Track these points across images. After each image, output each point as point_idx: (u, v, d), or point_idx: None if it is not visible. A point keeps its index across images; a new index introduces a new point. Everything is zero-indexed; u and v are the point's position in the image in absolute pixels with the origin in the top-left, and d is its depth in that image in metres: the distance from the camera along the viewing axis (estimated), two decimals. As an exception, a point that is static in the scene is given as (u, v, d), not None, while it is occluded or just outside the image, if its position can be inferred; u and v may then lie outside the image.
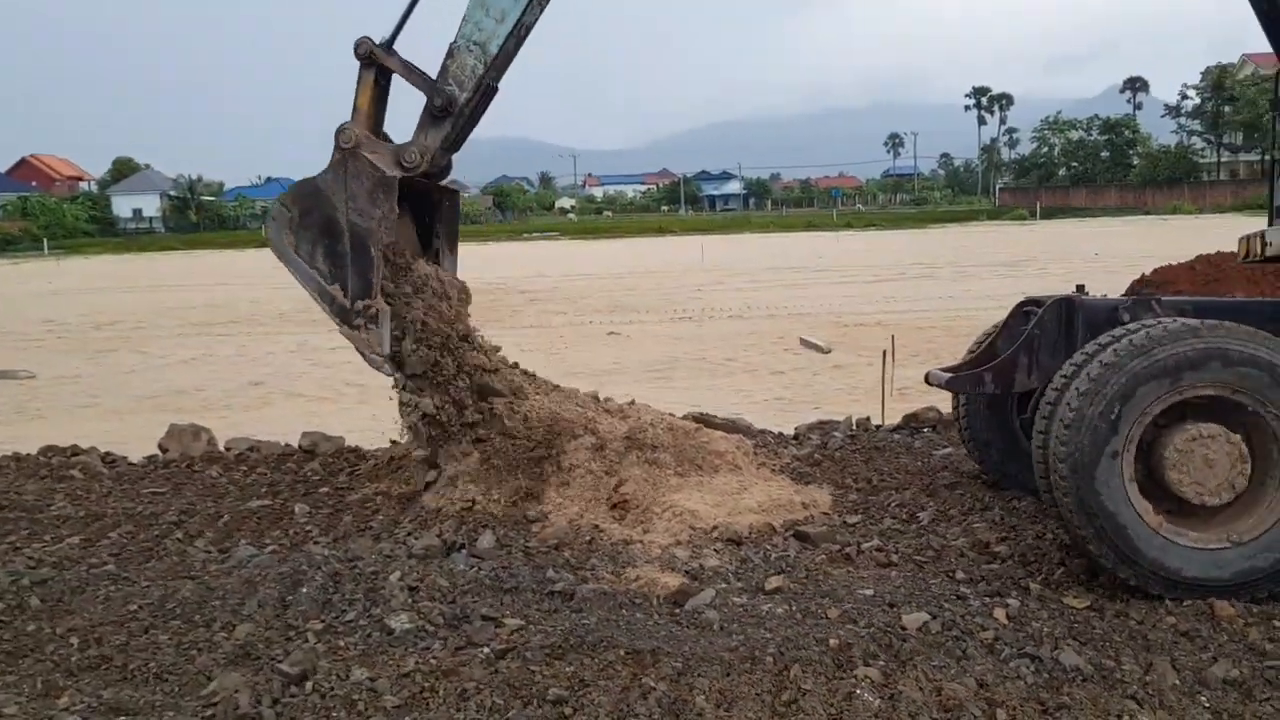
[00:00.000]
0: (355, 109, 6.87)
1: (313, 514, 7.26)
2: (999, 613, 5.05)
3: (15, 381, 16.38)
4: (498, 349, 7.76)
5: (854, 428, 9.77)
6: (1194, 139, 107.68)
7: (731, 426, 9.04)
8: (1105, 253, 38.97)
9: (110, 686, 4.52)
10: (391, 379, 7.21)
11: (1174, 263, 14.92)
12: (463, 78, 6.68)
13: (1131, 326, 5.50)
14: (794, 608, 5.21)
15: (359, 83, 6.85)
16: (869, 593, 5.41)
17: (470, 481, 7.06)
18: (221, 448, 9.57)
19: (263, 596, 5.39)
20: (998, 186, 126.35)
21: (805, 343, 18.12)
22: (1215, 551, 5.16)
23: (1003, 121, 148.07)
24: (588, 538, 6.43)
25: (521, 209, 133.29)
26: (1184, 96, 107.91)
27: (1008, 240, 55.44)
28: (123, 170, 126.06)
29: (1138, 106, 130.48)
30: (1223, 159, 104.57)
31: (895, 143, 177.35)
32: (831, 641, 4.67)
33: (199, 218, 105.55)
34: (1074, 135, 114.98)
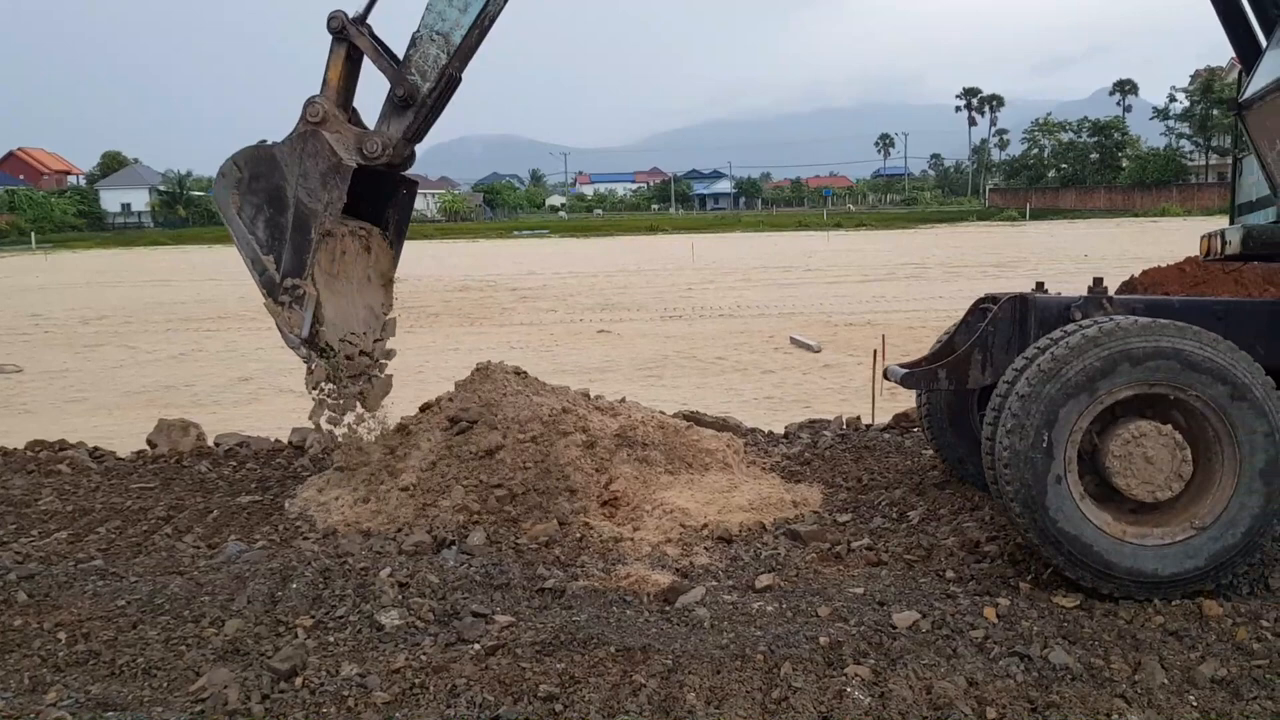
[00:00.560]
0: (325, 83, 6.79)
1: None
2: (989, 611, 5.06)
3: (2, 376, 16.30)
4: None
5: (844, 427, 9.78)
6: (1182, 142, 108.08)
7: (722, 425, 9.05)
8: (1094, 254, 39.13)
9: (98, 682, 4.49)
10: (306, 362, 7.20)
11: (1162, 264, 14.98)
12: (425, 68, 6.62)
13: (1054, 335, 5.50)
14: (784, 606, 5.22)
15: (330, 56, 6.77)
16: (859, 591, 5.41)
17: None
18: (211, 443, 9.54)
19: (252, 592, 5.37)
20: (988, 187, 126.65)
21: (796, 342, 18.14)
22: (1184, 542, 5.20)
23: (993, 123, 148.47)
24: (578, 535, 6.43)
25: (512, 207, 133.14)
26: (1172, 99, 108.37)
27: (998, 241, 55.60)
28: (111, 165, 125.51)
29: (1127, 109, 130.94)
30: (1211, 162, 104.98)
31: (886, 143, 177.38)
32: (822, 639, 4.68)
33: (188, 213, 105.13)
34: (1064, 137, 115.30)
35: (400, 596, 5.32)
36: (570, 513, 6.75)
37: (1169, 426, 5.26)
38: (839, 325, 20.54)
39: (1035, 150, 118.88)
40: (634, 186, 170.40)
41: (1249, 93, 6.60)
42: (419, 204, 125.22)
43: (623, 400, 8.59)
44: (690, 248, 50.30)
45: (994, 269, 34.59)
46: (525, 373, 8.04)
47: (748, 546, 6.26)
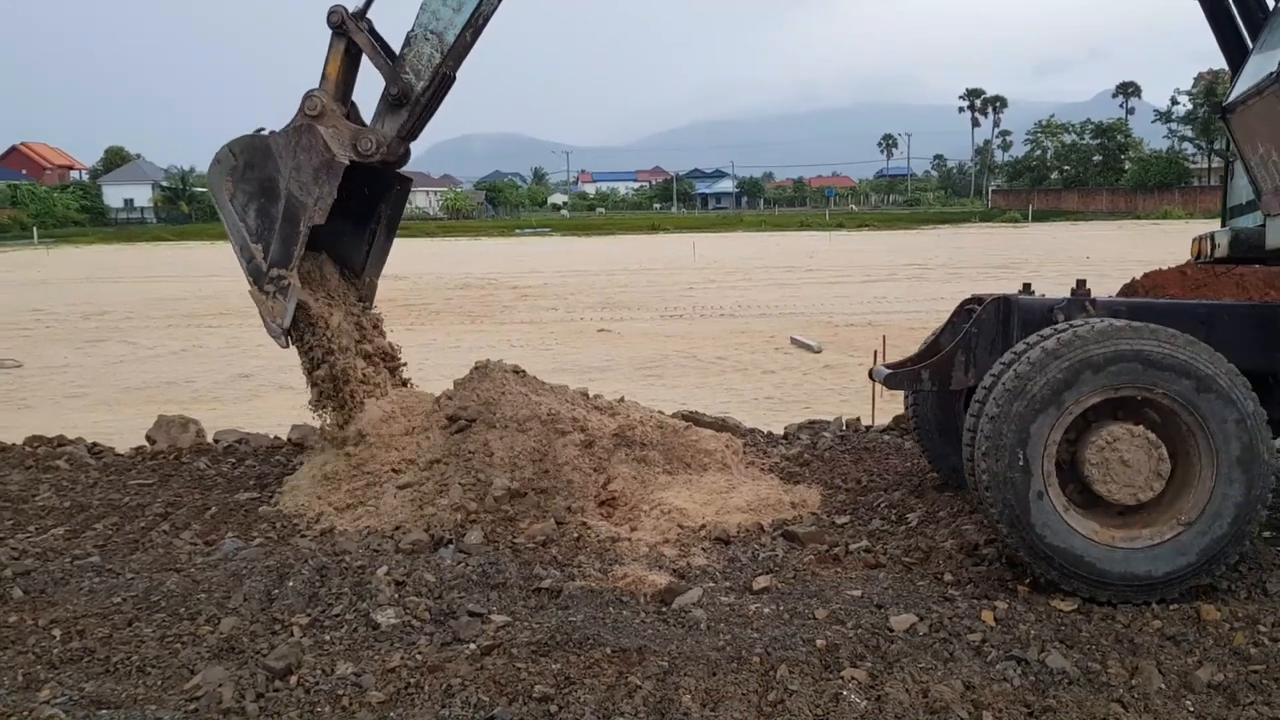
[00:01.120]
0: (324, 76, 6.82)
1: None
2: (986, 615, 5.05)
3: (2, 371, 16.29)
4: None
5: (844, 428, 9.76)
6: (1185, 144, 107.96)
7: (721, 425, 9.03)
8: (1097, 256, 39.09)
9: (92, 679, 4.49)
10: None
11: (1164, 267, 14.95)
12: (419, 66, 6.65)
13: (1017, 349, 5.52)
14: (781, 608, 5.21)
15: (329, 50, 6.80)
16: (857, 594, 5.40)
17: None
18: (210, 439, 9.53)
19: (248, 590, 5.37)
20: (990, 189, 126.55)
21: (796, 342, 18.12)
22: (1174, 540, 5.21)
23: (996, 124, 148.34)
24: (576, 535, 6.42)
25: (514, 205, 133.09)
26: (1175, 102, 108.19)
27: (1000, 242, 55.55)
28: (114, 160, 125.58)
29: (1130, 111, 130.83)
30: (1214, 164, 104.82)
31: (889, 143, 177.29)
32: (819, 642, 4.67)
33: (190, 209, 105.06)
34: (1067, 139, 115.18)
35: (397, 595, 5.32)
36: (568, 512, 6.73)
37: (1140, 427, 5.28)
38: (840, 326, 20.53)
39: (1038, 152, 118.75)
40: (636, 185, 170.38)
41: (1233, 96, 6.59)
42: (421, 201, 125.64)
43: (621, 400, 8.57)
44: (692, 247, 50.27)
45: (996, 270, 34.54)
46: (524, 371, 8.01)
47: (745, 548, 6.25)
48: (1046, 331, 5.49)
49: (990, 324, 6.26)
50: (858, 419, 10.00)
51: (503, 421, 7.24)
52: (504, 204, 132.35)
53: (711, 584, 5.63)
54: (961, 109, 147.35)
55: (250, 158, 6.70)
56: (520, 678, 4.38)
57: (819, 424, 9.90)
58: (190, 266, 45.76)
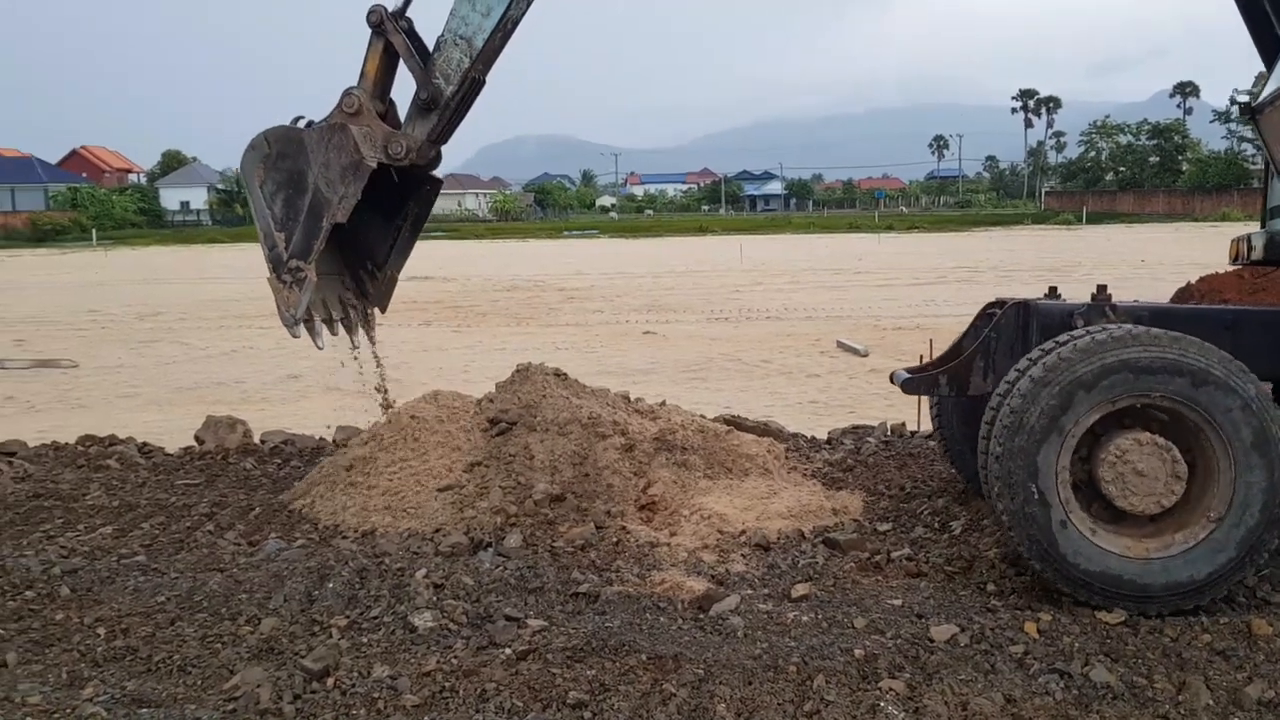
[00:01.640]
0: (363, 74, 6.89)
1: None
2: (1029, 626, 4.96)
3: (58, 371, 16.63)
4: None
5: (888, 433, 9.66)
6: (1245, 145, 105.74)
7: (763, 429, 8.98)
8: (1152, 259, 38.40)
9: (134, 678, 4.55)
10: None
11: (1221, 270, 14.63)
12: (449, 71, 6.69)
13: (1009, 378, 5.45)
14: (820, 616, 5.15)
15: (368, 49, 6.85)
16: (897, 603, 5.33)
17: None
18: (257, 440, 9.65)
19: (289, 591, 5.41)
20: (1044, 190, 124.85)
21: (842, 345, 17.99)
22: (1208, 539, 5.11)
23: (1050, 125, 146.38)
24: (615, 539, 6.41)
25: (563, 207, 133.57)
26: (1234, 102, 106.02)
27: (1053, 245, 54.77)
28: (171, 163, 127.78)
29: (1188, 111, 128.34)
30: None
31: (940, 144, 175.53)
32: (857, 652, 4.61)
33: (245, 211, 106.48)
34: (1122, 140, 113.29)
35: (435, 598, 5.33)
36: (607, 516, 6.73)
37: (1147, 434, 5.19)
38: (887, 329, 20.34)
39: (1092, 153, 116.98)
40: (684, 187, 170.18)
41: (1263, 96, 6.43)
42: (471, 203, 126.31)
43: (663, 403, 8.56)
44: (739, 249, 50.10)
45: (1048, 273, 34.02)
46: (565, 374, 8.03)
47: (785, 554, 6.19)
48: (1034, 355, 5.42)
49: (1010, 329, 6.19)
50: (903, 424, 9.89)
51: (543, 424, 7.25)
52: (553, 206, 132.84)
53: (750, 591, 5.59)
54: (1014, 110, 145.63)
55: (283, 148, 6.79)
56: (555, 683, 4.37)
57: (863, 429, 9.81)
58: (243, 268, 46.40)
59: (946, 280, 32.40)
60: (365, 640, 4.89)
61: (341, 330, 7.56)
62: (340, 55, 7.08)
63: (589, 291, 30.70)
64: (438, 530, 6.59)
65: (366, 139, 6.63)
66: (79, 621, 5.18)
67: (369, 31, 6.82)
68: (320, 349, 7.17)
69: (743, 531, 6.50)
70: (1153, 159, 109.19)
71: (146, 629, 5.05)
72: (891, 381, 6.77)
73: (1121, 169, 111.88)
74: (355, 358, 7.84)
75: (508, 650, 4.70)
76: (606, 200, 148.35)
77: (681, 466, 7.28)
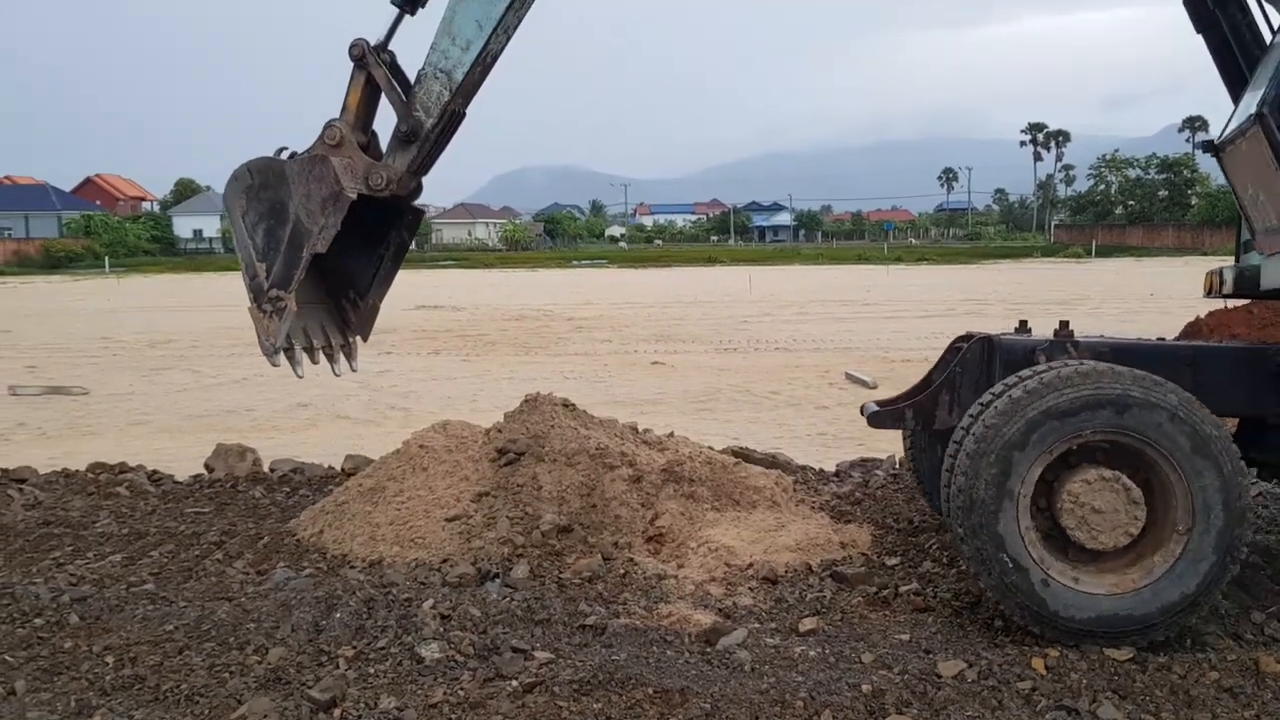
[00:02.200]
0: (345, 107, 7.00)
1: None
2: (1037, 662, 4.95)
3: (69, 397, 16.69)
4: None
5: (897, 466, 9.64)
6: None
7: (771, 462, 8.98)
8: (1161, 293, 38.37)
9: (142, 707, 4.56)
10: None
11: (1230, 305, 14.63)
12: (429, 104, 6.80)
13: (951, 450, 5.52)
14: (827, 651, 5.15)
15: (350, 81, 6.97)
16: (905, 638, 5.32)
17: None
18: (266, 468, 9.68)
19: (297, 620, 5.43)
20: (1053, 223, 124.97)
21: (851, 377, 17.98)
22: (1185, 553, 5.16)
23: (1059, 158, 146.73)
24: (622, 571, 6.41)
25: (572, 236, 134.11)
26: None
27: (1062, 278, 54.77)
28: (185, 191, 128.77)
29: (1196, 146, 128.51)
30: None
31: (949, 177, 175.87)
32: (864, 687, 4.60)
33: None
34: (1131, 173, 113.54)
35: (442, 629, 5.34)
36: (615, 548, 6.73)
37: (1093, 471, 5.23)
38: (896, 361, 20.33)
39: (1101, 186, 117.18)
40: (693, 218, 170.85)
41: (1225, 134, 6.47)
42: (481, 233, 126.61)
43: (671, 434, 8.57)
44: (748, 279, 50.19)
45: (1057, 306, 34.00)
46: (573, 405, 8.06)
47: (793, 588, 6.19)
48: (965, 423, 5.49)
49: (974, 364, 6.25)
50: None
51: (551, 455, 7.27)
52: (562, 235, 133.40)
53: (757, 625, 5.58)
54: (1023, 143, 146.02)
55: (265, 179, 6.89)
56: (562, 717, 4.37)
57: (871, 462, 9.80)
58: (254, 296, 46.58)
59: (955, 313, 32.38)
60: (372, 671, 4.90)
61: (324, 359, 7.61)
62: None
63: (597, 321, 30.76)
64: (445, 560, 6.60)
65: (347, 170, 6.73)
66: (87, 650, 5.19)
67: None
68: (300, 377, 7.22)
69: (750, 564, 6.49)
70: (1162, 193, 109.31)
71: (155, 658, 5.07)
72: (861, 414, 6.81)
73: (1131, 202, 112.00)
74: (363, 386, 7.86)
75: (514, 682, 4.71)
76: (616, 230, 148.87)
77: (689, 498, 7.28)
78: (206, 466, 9.67)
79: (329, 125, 6.84)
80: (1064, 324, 6.19)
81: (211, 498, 8.67)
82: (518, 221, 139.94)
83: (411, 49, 6.98)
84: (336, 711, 4.45)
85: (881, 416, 6.54)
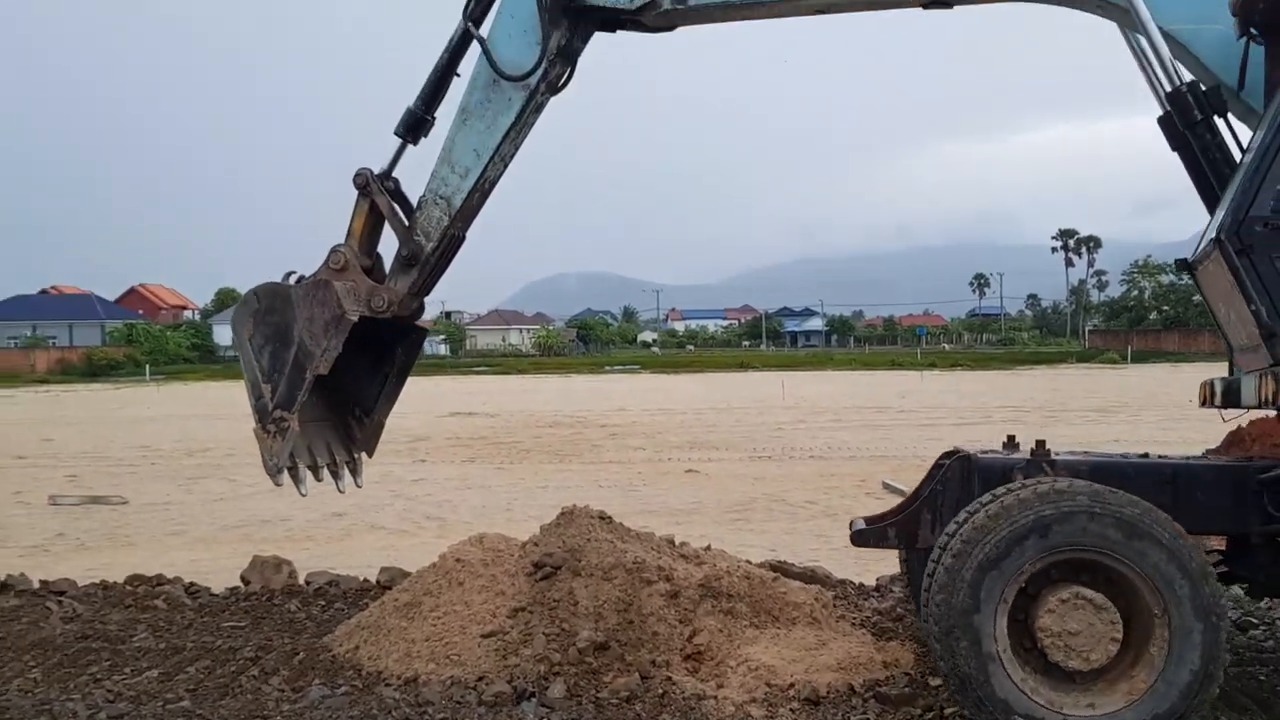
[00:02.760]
0: (350, 232, 7.26)
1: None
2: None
3: (108, 507, 16.83)
4: None
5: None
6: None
7: (810, 576, 8.87)
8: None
9: (176, 832, 4.49)
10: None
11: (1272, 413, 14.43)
12: (430, 229, 7.07)
13: (943, 541, 5.55)
14: (873, 776, 5.01)
15: (355, 208, 7.26)
16: (952, 763, 5.18)
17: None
18: (302, 580, 9.67)
19: (332, 741, 5.36)
20: (1087, 329, 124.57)
21: (888, 487, 17.81)
22: (1171, 656, 5.13)
23: (1091, 264, 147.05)
24: (660, 691, 6.31)
25: (605, 342, 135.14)
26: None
27: (1100, 384, 54.39)
28: (226, 300, 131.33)
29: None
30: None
31: (981, 282, 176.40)
32: (912, 816, 4.47)
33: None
34: (1165, 279, 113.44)
35: (478, 751, 5.25)
36: (652, 666, 6.63)
37: (1054, 598, 5.22)
38: (932, 469, 20.14)
39: (1135, 292, 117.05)
40: (725, 323, 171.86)
41: (1197, 251, 6.51)
42: (515, 339, 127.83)
43: (708, 548, 8.50)
44: (781, 385, 50.20)
45: (1095, 414, 33.73)
46: (610, 517, 8.04)
47: (835, 709, 6.06)
48: (942, 541, 5.52)
49: (954, 482, 6.28)
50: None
51: (588, 569, 7.23)
52: (595, 341, 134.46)
53: (800, 748, 5.45)
54: (1054, 249, 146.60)
55: (271, 303, 7.11)
56: (601, 846, 4.26)
57: (911, 575, 9.64)
58: (291, 403, 47.08)
59: (992, 420, 32.12)
60: (408, 795, 4.81)
61: (327, 476, 7.68)
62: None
63: (631, 428, 30.77)
64: (481, 679, 6.52)
65: (350, 293, 6.93)
66: (123, 770, 5.15)
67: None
68: (303, 495, 7.33)
69: (791, 684, 6.37)
70: (1197, 298, 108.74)
71: (189, 779, 5.01)
72: (850, 529, 6.84)
73: (1165, 308, 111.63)
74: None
75: (553, 809, 4.61)
76: (648, 335, 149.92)
77: (728, 614, 7.19)
78: (243, 579, 9.68)
79: (334, 250, 7.13)
80: (1040, 443, 6.26)
81: (248, 611, 8.65)
82: (551, 328, 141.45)
83: (415, 175, 7.33)
84: (372, 838, 4.37)
85: (865, 535, 6.61)
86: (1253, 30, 5.87)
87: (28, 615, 8.42)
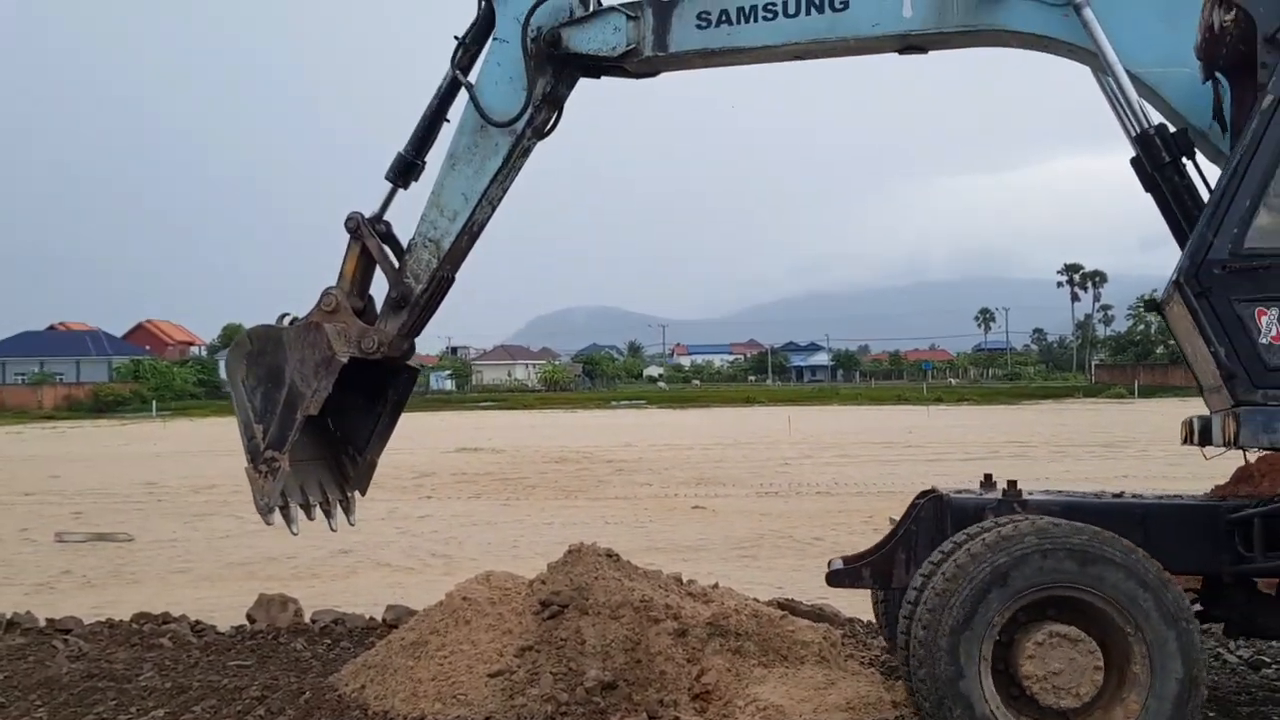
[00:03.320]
0: (341, 275, 7.37)
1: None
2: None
3: (114, 544, 16.81)
4: None
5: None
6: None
7: (819, 614, 8.83)
8: (1208, 433, 37.76)
9: None
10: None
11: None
12: (419, 271, 7.19)
13: (918, 582, 5.65)
14: (883, 819, 4.97)
15: (346, 251, 7.40)
16: (963, 805, 5.13)
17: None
18: (308, 619, 9.64)
19: (338, 783, 5.33)
20: (1094, 363, 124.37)
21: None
22: (1156, 669, 5.13)
23: (1097, 298, 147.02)
24: (668, 731, 6.26)
25: (610, 377, 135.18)
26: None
27: (1106, 419, 54.27)
28: (232, 336, 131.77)
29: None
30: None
31: (986, 317, 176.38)
32: None
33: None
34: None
35: (485, 793, 5.22)
36: (660, 706, 6.60)
37: (1030, 642, 5.24)
38: (940, 505, 20.07)
39: (1141, 326, 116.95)
40: (731, 358, 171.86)
41: (1163, 293, 6.54)
42: (520, 374, 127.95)
43: (715, 585, 8.47)
44: (787, 420, 50.11)
45: (1102, 449, 33.62)
46: (617, 555, 8.02)
47: (844, 749, 6.00)
48: (917, 582, 5.60)
49: (928, 522, 6.34)
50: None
51: (595, 608, 7.20)
52: (601, 376, 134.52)
53: (809, 790, 5.41)
54: (1060, 284, 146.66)
55: (263, 345, 7.19)
56: None
57: (920, 613, 9.58)
58: (297, 439, 47.05)
59: (999, 455, 32.00)
60: (415, 838, 4.78)
61: (320, 515, 7.70)
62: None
63: (637, 464, 30.71)
64: (488, 719, 6.49)
65: (340, 335, 7.01)
66: (128, 813, 5.12)
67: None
68: (295, 534, 7.35)
69: (800, 725, 6.32)
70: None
71: (195, 822, 4.98)
72: (828, 568, 6.86)
73: (1172, 342, 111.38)
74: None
75: None
76: (653, 370, 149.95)
77: (735, 653, 7.15)
78: (249, 617, 9.66)
79: (326, 293, 7.23)
80: (1012, 483, 6.34)
81: (254, 649, 8.63)
82: (556, 363, 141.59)
83: (406, 218, 7.53)
84: None
85: (840, 575, 6.64)
86: (1217, 75, 5.90)
87: (34, 654, 8.41)
